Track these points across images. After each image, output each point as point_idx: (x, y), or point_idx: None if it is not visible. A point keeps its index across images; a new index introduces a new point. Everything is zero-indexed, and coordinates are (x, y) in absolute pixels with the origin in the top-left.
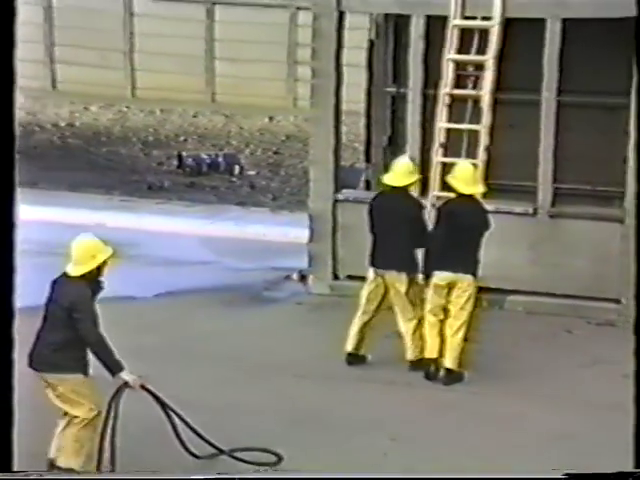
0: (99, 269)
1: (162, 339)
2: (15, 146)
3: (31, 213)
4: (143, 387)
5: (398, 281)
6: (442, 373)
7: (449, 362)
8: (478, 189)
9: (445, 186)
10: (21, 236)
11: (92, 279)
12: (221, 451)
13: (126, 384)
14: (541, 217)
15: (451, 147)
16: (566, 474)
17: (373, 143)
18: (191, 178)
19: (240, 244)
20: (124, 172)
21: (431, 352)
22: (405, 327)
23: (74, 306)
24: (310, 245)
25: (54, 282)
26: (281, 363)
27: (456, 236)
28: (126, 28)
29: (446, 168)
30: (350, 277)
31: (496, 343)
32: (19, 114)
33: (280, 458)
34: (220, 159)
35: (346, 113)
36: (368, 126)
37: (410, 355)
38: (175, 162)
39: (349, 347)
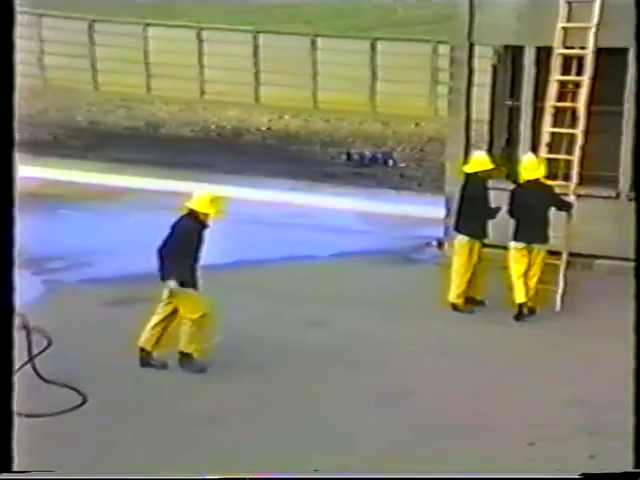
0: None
1: (338, 288)
2: (14, 148)
3: (238, 193)
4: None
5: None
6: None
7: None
8: (540, 174)
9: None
10: (235, 209)
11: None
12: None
13: None
14: (622, 200)
15: (554, 146)
16: (582, 474)
17: (494, 144)
18: (357, 169)
19: (393, 218)
20: (307, 164)
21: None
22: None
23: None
24: (445, 220)
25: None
26: (423, 306)
27: (526, 214)
28: (311, 58)
29: (551, 163)
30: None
31: (585, 295)
32: (232, 122)
33: (85, 400)
34: (378, 155)
35: (474, 121)
36: (491, 131)
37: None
38: (345, 157)
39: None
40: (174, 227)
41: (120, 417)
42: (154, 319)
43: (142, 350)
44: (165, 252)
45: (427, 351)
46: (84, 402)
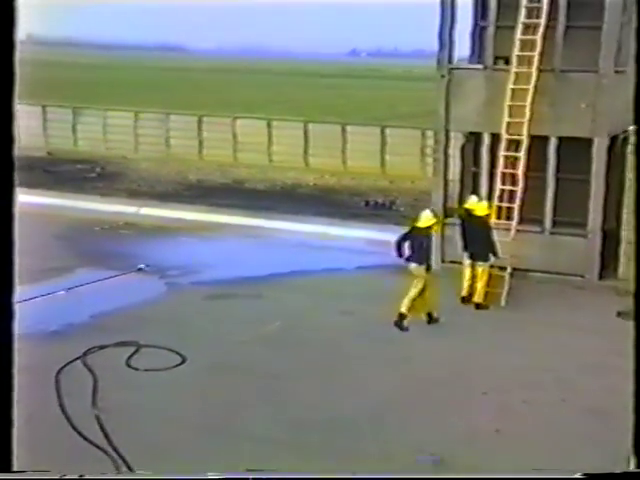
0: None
1: (359, 289)
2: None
3: (293, 227)
4: None
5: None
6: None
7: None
8: (485, 212)
9: None
10: (290, 237)
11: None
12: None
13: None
14: (546, 233)
15: (503, 198)
16: (585, 474)
17: (463, 196)
18: (371, 211)
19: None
20: (339, 208)
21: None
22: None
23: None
24: None
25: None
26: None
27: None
28: (342, 138)
29: (501, 209)
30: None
31: (521, 296)
32: (291, 180)
33: (184, 360)
34: (386, 202)
35: (450, 181)
36: (461, 187)
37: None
38: (364, 203)
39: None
40: (413, 237)
41: (219, 374)
42: (412, 292)
43: (401, 315)
44: (415, 252)
45: (423, 331)
46: (183, 362)
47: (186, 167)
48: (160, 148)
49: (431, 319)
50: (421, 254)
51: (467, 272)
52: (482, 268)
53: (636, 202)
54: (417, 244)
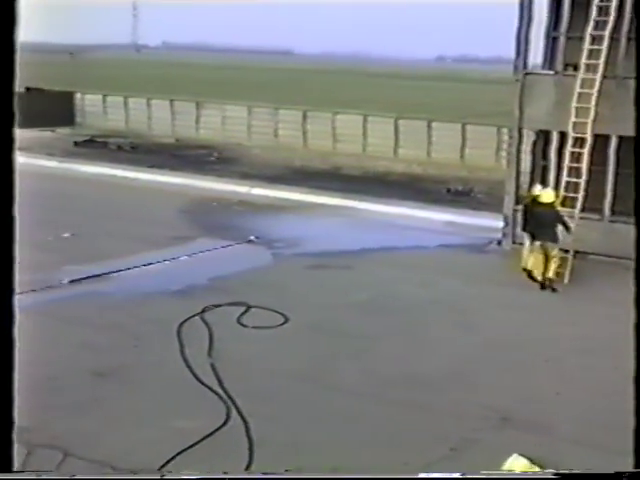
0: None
1: (438, 265)
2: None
3: (384, 209)
4: None
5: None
6: None
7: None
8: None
9: None
10: (382, 218)
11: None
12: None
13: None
14: (605, 220)
15: (569, 189)
16: (557, 474)
17: (532, 186)
18: (451, 197)
19: (470, 227)
20: (424, 194)
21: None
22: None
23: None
24: (504, 229)
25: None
26: (489, 277)
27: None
28: (428, 133)
29: (566, 199)
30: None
31: (582, 274)
32: (382, 168)
33: (287, 320)
34: (465, 189)
35: (522, 173)
36: (531, 179)
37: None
38: (445, 190)
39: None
40: (538, 212)
41: (316, 333)
42: (553, 259)
43: (549, 279)
44: (546, 227)
45: (494, 303)
46: (286, 321)
47: (292, 154)
48: (270, 137)
49: (544, 285)
50: (547, 229)
51: (527, 252)
52: (552, 250)
53: (636, 201)
54: (543, 219)
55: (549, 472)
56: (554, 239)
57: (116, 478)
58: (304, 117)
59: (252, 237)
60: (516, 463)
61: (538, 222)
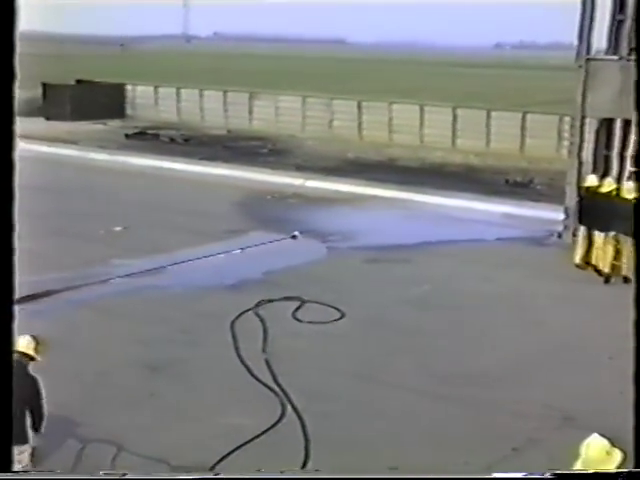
0: None
1: (497, 258)
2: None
3: (440, 201)
4: None
5: None
6: None
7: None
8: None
9: None
10: (438, 210)
11: None
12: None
13: None
14: None
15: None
16: (555, 474)
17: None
18: (510, 189)
19: (530, 219)
20: (482, 185)
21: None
22: None
23: None
24: (564, 221)
25: None
26: (550, 270)
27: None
28: (486, 123)
29: None
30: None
31: None
32: (438, 159)
33: (343, 315)
34: (525, 181)
35: (583, 163)
36: (594, 169)
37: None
38: (504, 181)
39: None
40: (596, 202)
41: (372, 329)
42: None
43: (611, 273)
44: (620, 218)
45: (555, 299)
46: (342, 317)
47: (346, 146)
48: (324, 129)
49: (608, 280)
50: (621, 220)
51: (581, 242)
52: (624, 242)
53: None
54: (601, 210)
55: (548, 472)
56: (627, 231)
57: (116, 478)
58: (359, 107)
59: (296, 233)
60: (594, 443)
61: (596, 213)
